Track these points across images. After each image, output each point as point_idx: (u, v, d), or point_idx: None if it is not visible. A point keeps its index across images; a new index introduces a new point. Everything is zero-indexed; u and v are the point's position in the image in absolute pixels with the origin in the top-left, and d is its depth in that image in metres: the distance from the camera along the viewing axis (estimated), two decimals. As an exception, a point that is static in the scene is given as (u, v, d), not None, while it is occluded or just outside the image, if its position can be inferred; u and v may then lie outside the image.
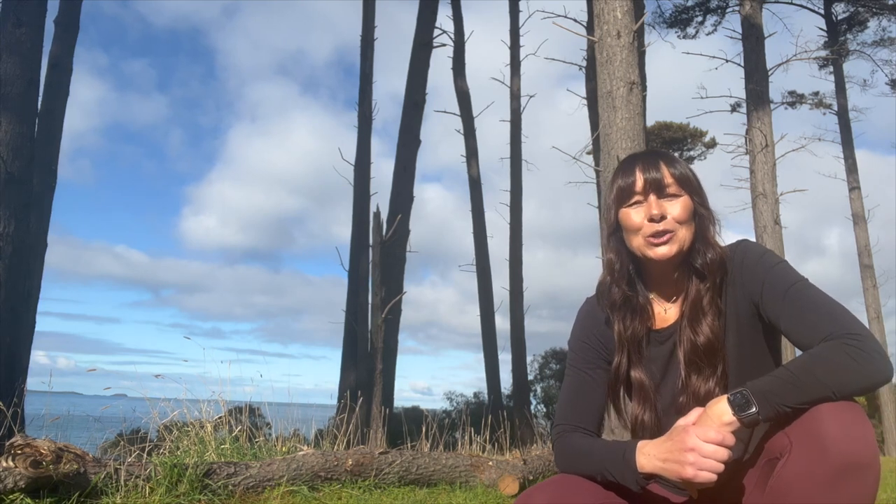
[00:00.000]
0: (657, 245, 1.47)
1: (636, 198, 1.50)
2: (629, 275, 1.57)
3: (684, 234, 1.48)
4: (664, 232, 1.47)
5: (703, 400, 1.41)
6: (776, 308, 1.39)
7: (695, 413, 1.32)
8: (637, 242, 1.51)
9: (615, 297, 1.57)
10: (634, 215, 1.50)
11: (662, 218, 1.47)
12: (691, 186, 1.51)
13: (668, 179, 1.49)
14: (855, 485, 1.16)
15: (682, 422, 1.32)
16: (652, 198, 1.49)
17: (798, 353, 1.35)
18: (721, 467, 1.24)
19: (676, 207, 1.48)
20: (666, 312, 1.57)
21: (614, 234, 1.57)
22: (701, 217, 1.51)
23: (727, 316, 1.48)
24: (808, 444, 1.19)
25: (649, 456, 1.34)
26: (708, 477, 1.24)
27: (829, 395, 1.22)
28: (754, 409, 1.24)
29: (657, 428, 1.53)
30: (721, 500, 1.41)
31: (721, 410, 1.27)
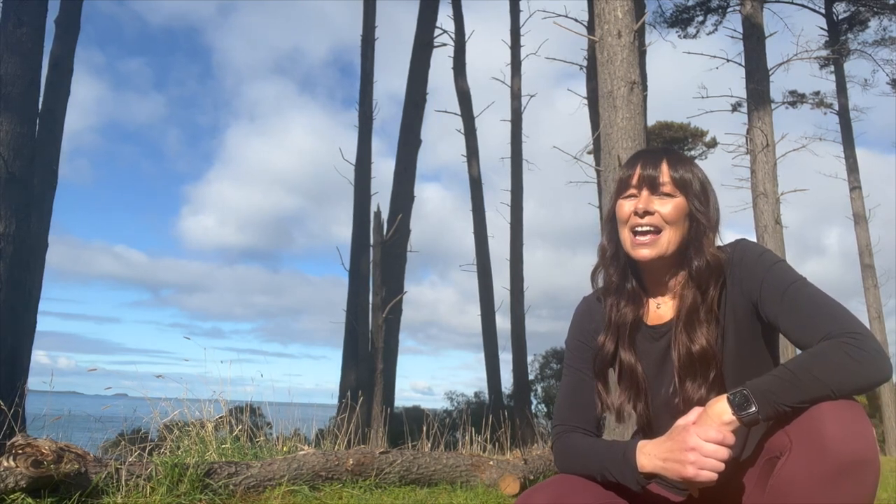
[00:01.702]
0: (639, 246, 1.49)
1: (631, 191, 1.53)
2: (621, 262, 1.59)
3: (670, 236, 1.48)
4: (647, 231, 1.48)
5: (696, 406, 1.42)
6: (775, 307, 1.39)
7: (694, 412, 1.32)
8: (624, 235, 1.53)
9: (605, 282, 1.60)
10: (626, 206, 1.53)
11: (647, 213, 1.48)
12: (690, 190, 1.50)
13: (665, 178, 1.50)
14: (855, 483, 1.16)
15: (681, 421, 1.33)
16: (644, 193, 1.50)
17: (798, 352, 1.35)
18: (722, 466, 1.24)
19: (667, 207, 1.49)
20: (659, 308, 1.57)
21: (610, 221, 1.60)
22: (697, 223, 1.50)
23: (725, 316, 1.48)
24: (808, 443, 1.19)
25: (650, 455, 1.34)
26: (709, 476, 1.24)
27: (828, 394, 1.22)
28: (754, 409, 1.24)
29: (645, 419, 1.54)
30: (721, 499, 1.41)
31: (721, 410, 1.27)
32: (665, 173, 1.50)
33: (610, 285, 1.59)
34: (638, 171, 1.52)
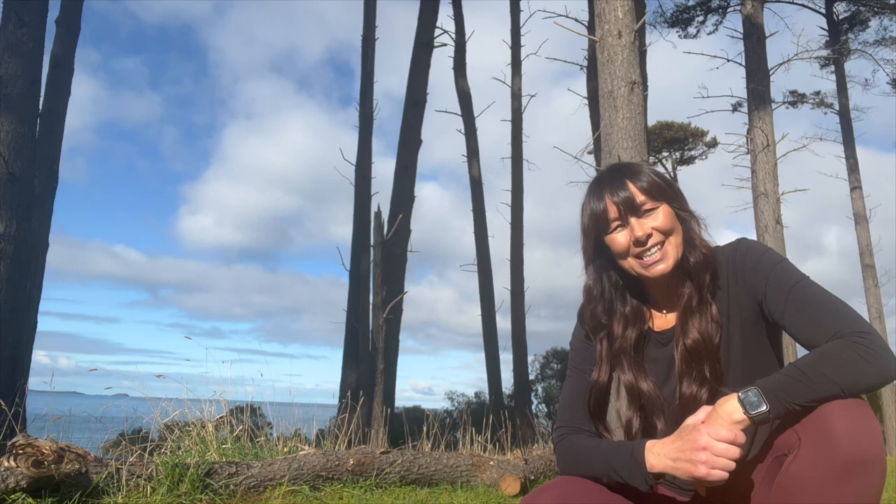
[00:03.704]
0: (651, 265, 1.47)
1: (615, 224, 1.49)
2: (607, 300, 1.57)
3: (675, 242, 1.48)
4: (654, 248, 1.46)
5: (689, 404, 1.41)
6: (780, 307, 1.39)
7: (703, 411, 1.32)
8: (629, 264, 1.50)
9: (593, 324, 1.58)
10: (620, 238, 1.49)
11: (648, 237, 1.46)
12: (665, 193, 1.49)
13: (640, 197, 1.47)
14: (863, 480, 1.16)
15: (690, 420, 1.32)
16: (632, 220, 1.47)
17: (800, 350, 1.34)
18: (733, 466, 1.24)
19: (658, 219, 1.47)
20: (666, 315, 1.57)
21: (593, 261, 1.56)
22: (683, 220, 1.50)
23: (730, 316, 1.48)
24: (817, 441, 1.19)
25: (659, 455, 1.33)
26: (720, 475, 1.24)
27: (838, 392, 1.22)
28: (765, 408, 1.24)
29: (657, 432, 1.52)
30: (728, 497, 1.40)
31: (731, 409, 1.27)
32: (636, 192, 1.47)
33: (597, 325, 1.58)
34: (609, 200, 1.48)
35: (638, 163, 1.58)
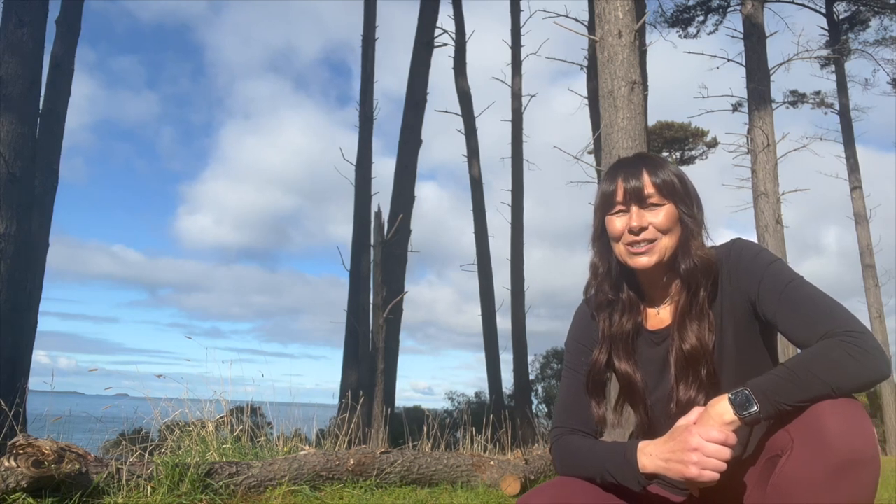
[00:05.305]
0: (636, 255, 1.49)
1: (618, 207, 1.51)
2: (614, 277, 1.59)
3: (667, 243, 1.49)
4: (643, 242, 1.48)
5: (686, 408, 1.42)
6: (773, 306, 1.39)
7: (695, 412, 1.33)
8: (619, 249, 1.53)
9: (600, 300, 1.59)
10: (617, 223, 1.51)
11: (642, 229, 1.48)
12: (676, 194, 1.50)
13: (650, 189, 1.49)
14: (856, 480, 1.17)
15: (682, 421, 1.33)
16: (634, 208, 1.49)
17: (796, 350, 1.35)
18: (724, 466, 1.25)
19: (659, 216, 1.48)
20: (659, 314, 1.58)
21: (599, 238, 1.59)
22: (685, 226, 1.50)
23: (724, 315, 1.48)
24: (810, 441, 1.20)
25: (651, 456, 1.34)
26: (712, 476, 1.25)
27: (829, 392, 1.23)
28: (755, 409, 1.25)
29: (646, 426, 1.54)
30: (721, 498, 1.41)
31: (722, 410, 1.27)
32: (648, 184, 1.49)
33: (602, 301, 1.59)
34: (620, 184, 1.51)
35: (664, 158, 1.60)
